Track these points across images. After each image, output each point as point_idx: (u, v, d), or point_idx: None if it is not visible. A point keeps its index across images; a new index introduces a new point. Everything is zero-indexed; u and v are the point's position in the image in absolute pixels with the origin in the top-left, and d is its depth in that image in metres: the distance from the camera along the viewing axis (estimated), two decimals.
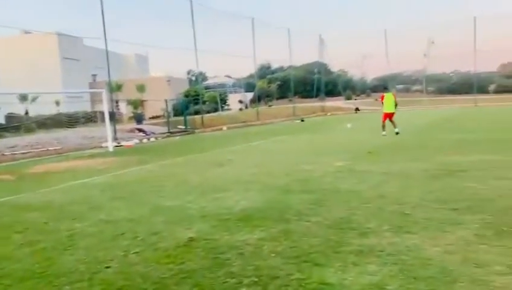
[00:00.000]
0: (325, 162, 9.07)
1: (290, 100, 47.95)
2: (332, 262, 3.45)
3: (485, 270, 3.09)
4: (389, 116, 15.04)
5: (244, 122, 32.09)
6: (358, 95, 60.63)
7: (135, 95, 40.41)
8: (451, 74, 61.55)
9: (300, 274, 3.27)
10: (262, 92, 58.00)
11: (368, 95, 61.41)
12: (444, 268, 3.18)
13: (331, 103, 48.60)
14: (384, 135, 14.44)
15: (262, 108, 43.69)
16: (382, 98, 15.66)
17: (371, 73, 74.75)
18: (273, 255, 3.72)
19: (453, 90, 55.84)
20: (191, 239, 4.33)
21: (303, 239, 4.08)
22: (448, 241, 3.76)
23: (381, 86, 60.91)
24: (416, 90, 60.58)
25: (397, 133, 14.39)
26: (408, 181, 6.50)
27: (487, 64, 78.67)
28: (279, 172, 8.20)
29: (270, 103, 55.95)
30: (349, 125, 20.55)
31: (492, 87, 52.83)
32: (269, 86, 63.43)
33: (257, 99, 42.63)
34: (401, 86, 66.11)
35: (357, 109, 41.54)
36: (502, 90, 51.33)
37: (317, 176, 7.47)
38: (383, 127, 14.96)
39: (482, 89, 50.10)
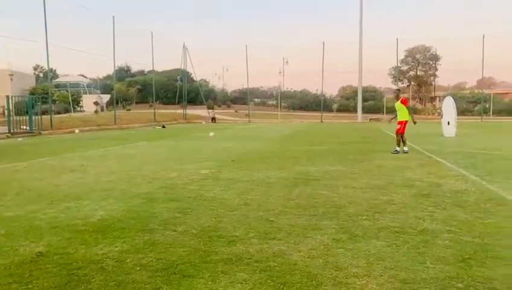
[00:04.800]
0: (189, 169, 8.95)
1: (151, 105, 46.78)
2: (202, 272, 3.34)
3: (344, 273, 3.30)
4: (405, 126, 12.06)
5: (99, 125, 30.13)
6: (219, 106, 62.10)
7: None
8: (300, 92, 67.19)
9: (168, 287, 3.08)
10: (120, 95, 55.40)
11: (229, 106, 63.32)
12: (309, 273, 3.32)
13: (193, 111, 48.81)
14: (405, 152, 11.69)
15: (120, 112, 41.69)
16: (405, 101, 12.20)
17: (231, 85, 77.49)
18: (138, 268, 3.44)
19: (304, 107, 61.15)
20: (40, 254, 3.78)
21: (170, 250, 3.88)
22: (310, 246, 3.96)
23: (240, 99, 63.96)
24: (272, 105, 64.65)
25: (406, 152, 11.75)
26: (270, 189, 6.75)
27: (332, 86, 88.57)
28: (140, 179, 7.80)
29: (128, 107, 53.75)
30: (211, 134, 20.85)
31: (335, 106, 59.41)
32: (128, 90, 60.95)
33: (115, 102, 40.49)
34: (258, 100, 69.86)
35: (213, 119, 42.45)
36: (343, 109, 58.15)
37: (182, 183, 7.30)
38: (403, 140, 11.93)
39: (328, 108, 55.98)
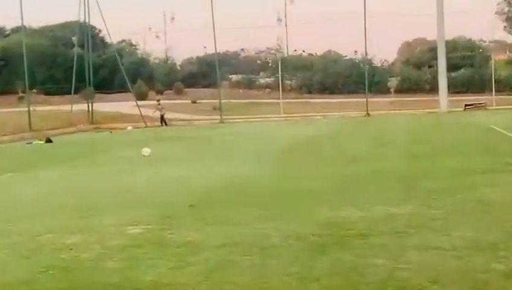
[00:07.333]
0: (105, 226, 8.95)
1: (22, 97, 46.45)
2: None
3: None
4: None
5: None
6: (161, 92, 61.74)
7: None
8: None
9: None
10: None
11: (179, 92, 62.88)
12: None
13: (108, 105, 48.43)
14: None
15: None
16: None
17: (184, 50, 77.06)
18: None
19: (329, 88, 61.04)
20: None
21: None
22: None
23: (202, 76, 62.71)
24: (266, 86, 64.27)
25: None
26: (270, 260, 6.76)
27: (386, 42, 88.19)
28: (7, 251, 7.80)
29: None
30: (146, 152, 20.69)
31: (393, 82, 58.91)
32: None
33: None
34: (238, 77, 69.59)
35: (162, 119, 42.56)
36: (409, 87, 58.12)
37: (91, 257, 7.27)
38: None
39: (379, 86, 55.91)
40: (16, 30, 57.78)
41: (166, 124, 42.60)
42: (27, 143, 31.42)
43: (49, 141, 31.47)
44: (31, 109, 40.11)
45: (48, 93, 54.61)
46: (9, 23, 64.17)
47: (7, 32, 68.20)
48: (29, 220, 9.91)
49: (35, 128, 37.58)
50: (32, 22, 58.40)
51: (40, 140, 31.84)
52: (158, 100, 45.71)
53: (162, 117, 43.35)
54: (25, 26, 44.79)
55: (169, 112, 44.98)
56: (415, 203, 9.60)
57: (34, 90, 47.40)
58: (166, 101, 55.83)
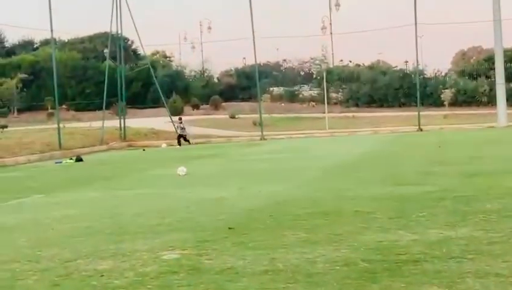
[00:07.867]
0: (138, 252, 8.82)
1: (51, 114, 46.74)
2: None
3: None
4: None
5: None
6: (196, 107, 61.88)
7: None
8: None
9: None
10: None
11: (216, 106, 63.03)
12: None
13: (141, 121, 48.62)
14: None
15: None
16: None
17: (218, 63, 77.34)
18: None
19: (378, 100, 60.75)
20: None
21: None
22: None
23: (241, 89, 62.50)
24: (311, 99, 64.02)
25: None
26: (315, 288, 6.57)
27: (439, 50, 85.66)
28: (35, 278, 7.66)
29: (3, 122, 53.28)
30: (182, 172, 20.74)
31: (447, 94, 58.13)
32: (1, 83, 60.92)
33: None
34: (280, 89, 69.51)
35: (182, 138, 43.01)
36: (464, 100, 57.59)
37: (123, 286, 7.11)
38: None
39: (432, 99, 55.44)
40: (45, 43, 58.27)
41: (180, 145, 42.28)
42: (56, 162, 31.92)
43: (79, 159, 31.87)
44: (61, 126, 40.30)
45: (78, 109, 55.05)
46: (38, 36, 64.75)
47: (36, 45, 68.80)
48: (58, 244, 9.88)
49: (65, 146, 37.98)
50: (62, 34, 58.67)
51: (71, 159, 32.28)
52: (180, 118, 45.27)
53: (179, 137, 43.22)
54: (54, 39, 44.92)
55: (206, 128, 45.02)
56: (472, 225, 9.39)
57: (64, 106, 47.68)
58: (204, 116, 56.09)
